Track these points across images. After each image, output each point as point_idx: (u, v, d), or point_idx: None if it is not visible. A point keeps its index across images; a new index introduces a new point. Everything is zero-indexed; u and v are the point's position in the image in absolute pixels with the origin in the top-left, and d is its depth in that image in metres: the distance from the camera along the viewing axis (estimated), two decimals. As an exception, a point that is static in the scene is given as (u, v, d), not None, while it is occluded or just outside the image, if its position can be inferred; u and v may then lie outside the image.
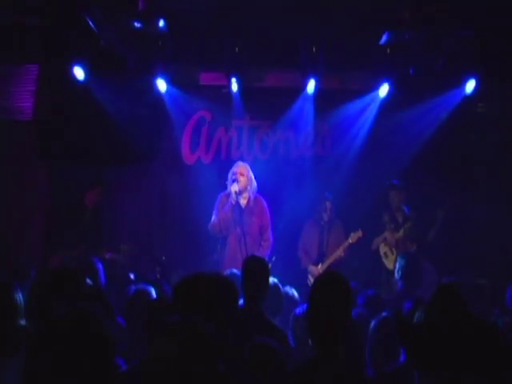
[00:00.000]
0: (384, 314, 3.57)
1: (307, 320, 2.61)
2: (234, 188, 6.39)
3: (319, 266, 7.07)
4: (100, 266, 4.78)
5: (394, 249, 7.16)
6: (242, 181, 6.47)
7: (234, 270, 4.70)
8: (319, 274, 3.42)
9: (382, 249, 7.27)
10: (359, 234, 6.98)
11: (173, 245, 7.74)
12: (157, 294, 4.07)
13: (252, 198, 6.54)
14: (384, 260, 7.22)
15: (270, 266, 6.43)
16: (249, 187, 6.54)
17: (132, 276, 6.40)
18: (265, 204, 6.65)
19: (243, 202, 6.52)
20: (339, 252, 7.02)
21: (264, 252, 6.42)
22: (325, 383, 2.41)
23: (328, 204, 7.18)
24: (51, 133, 7.59)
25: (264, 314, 3.77)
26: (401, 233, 7.13)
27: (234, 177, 6.49)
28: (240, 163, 6.72)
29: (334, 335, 2.50)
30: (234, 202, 6.38)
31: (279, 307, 4.19)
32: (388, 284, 6.90)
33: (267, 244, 6.54)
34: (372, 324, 3.52)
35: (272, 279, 4.45)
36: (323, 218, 7.21)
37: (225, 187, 6.66)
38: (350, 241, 6.98)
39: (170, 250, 7.56)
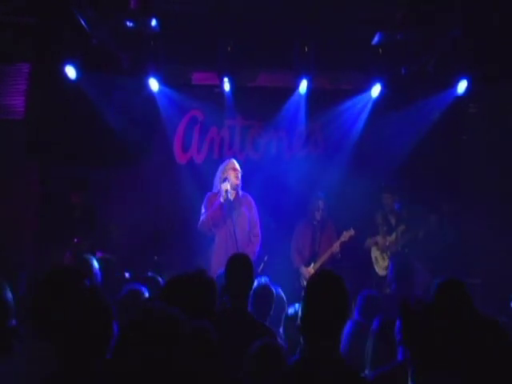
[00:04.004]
0: (384, 315, 3.57)
1: (303, 319, 2.57)
2: (226, 187, 6.37)
3: (311, 266, 7.08)
4: (96, 264, 4.76)
5: (384, 254, 7.17)
6: (232, 180, 6.45)
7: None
8: (314, 273, 3.39)
9: (373, 253, 7.28)
10: (351, 232, 6.99)
11: (165, 244, 7.72)
12: (149, 293, 4.06)
13: (240, 192, 6.55)
14: (374, 265, 7.24)
15: (262, 264, 6.58)
16: (238, 184, 6.53)
17: (127, 275, 6.39)
18: (252, 200, 6.64)
19: (231, 196, 6.51)
20: (331, 250, 7.02)
21: (254, 248, 6.43)
22: (322, 383, 2.40)
23: (320, 203, 7.18)
24: (42, 132, 7.56)
25: (250, 312, 3.75)
26: (393, 236, 7.14)
27: (223, 175, 6.46)
28: (228, 161, 6.68)
29: (331, 335, 2.49)
30: (223, 201, 6.36)
31: (270, 307, 4.18)
32: (378, 287, 6.91)
33: (257, 239, 6.53)
34: (374, 324, 3.51)
35: (263, 279, 4.45)
36: (315, 217, 7.22)
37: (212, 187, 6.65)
38: (343, 239, 6.99)
39: (162, 250, 7.55)
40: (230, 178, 6.43)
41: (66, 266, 3.87)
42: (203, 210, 6.52)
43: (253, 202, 6.63)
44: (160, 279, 4.70)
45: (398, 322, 3.16)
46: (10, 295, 3.05)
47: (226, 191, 6.35)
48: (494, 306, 5.21)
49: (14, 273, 4.87)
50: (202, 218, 6.51)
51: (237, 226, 6.26)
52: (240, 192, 6.54)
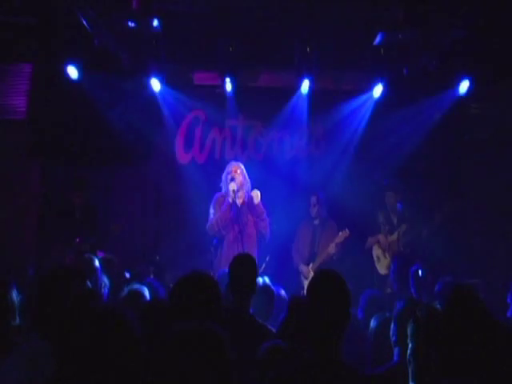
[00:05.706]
0: (385, 314, 3.56)
1: (304, 320, 2.56)
2: (232, 187, 6.40)
3: (310, 265, 7.07)
4: (97, 264, 4.76)
5: (386, 253, 7.15)
6: (238, 179, 6.48)
7: (227, 270, 4.67)
8: (315, 273, 3.35)
9: (375, 252, 7.27)
10: (346, 233, 6.95)
11: (167, 244, 7.72)
12: (150, 294, 4.05)
13: (247, 197, 6.55)
14: (376, 264, 7.22)
15: (263, 264, 6.57)
16: (244, 186, 6.55)
17: (127, 275, 6.39)
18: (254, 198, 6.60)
19: (239, 201, 6.51)
20: (327, 251, 6.99)
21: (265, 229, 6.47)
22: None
23: (313, 198, 7.14)
24: (43, 132, 7.56)
25: (252, 313, 3.73)
26: (395, 236, 7.13)
27: (230, 176, 6.48)
28: (234, 163, 6.74)
29: (332, 335, 2.47)
30: (231, 201, 6.38)
31: (271, 308, 4.16)
32: (380, 286, 6.90)
33: (265, 223, 6.54)
34: (372, 324, 3.50)
35: (263, 279, 4.43)
36: (311, 214, 7.20)
37: (219, 188, 6.65)
38: (337, 240, 6.96)
39: (164, 250, 7.54)
40: (236, 178, 6.45)
41: (66, 267, 3.87)
42: (212, 211, 6.53)
43: (255, 200, 6.56)
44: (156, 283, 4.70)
45: (392, 325, 3.16)
46: (13, 295, 3.05)
47: (234, 191, 6.38)
48: (494, 306, 5.19)
49: (19, 272, 4.87)
50: (210, 220, 6.52)
51: (243, 232, 6.28)
52: (247, 196, 6.51)
